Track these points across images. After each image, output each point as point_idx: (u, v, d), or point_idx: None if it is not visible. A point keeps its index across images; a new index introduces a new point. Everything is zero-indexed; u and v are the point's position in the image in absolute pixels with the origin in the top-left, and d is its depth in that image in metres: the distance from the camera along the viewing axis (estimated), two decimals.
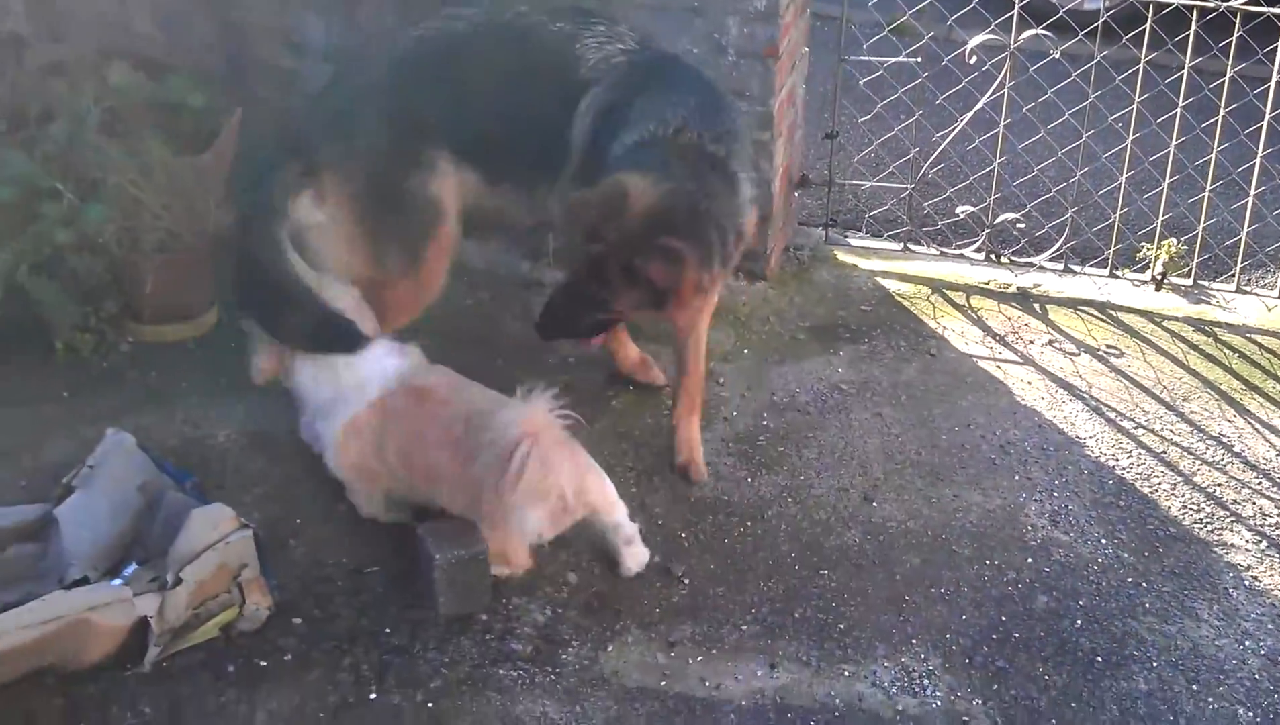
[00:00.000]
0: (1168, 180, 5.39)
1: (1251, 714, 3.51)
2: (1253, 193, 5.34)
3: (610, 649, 3.63)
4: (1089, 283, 5.48)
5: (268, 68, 5.35)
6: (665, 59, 4.20)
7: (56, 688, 3.36)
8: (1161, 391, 4.81)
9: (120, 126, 4.72)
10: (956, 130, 5.65)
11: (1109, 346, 5.08)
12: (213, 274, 4.77)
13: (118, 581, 3.48)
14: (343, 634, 3.61)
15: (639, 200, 3.66)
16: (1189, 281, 5.45)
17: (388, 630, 3.62)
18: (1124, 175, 5.41)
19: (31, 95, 4.74)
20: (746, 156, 4.07)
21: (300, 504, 4.04)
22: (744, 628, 3.72)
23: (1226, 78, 5.20)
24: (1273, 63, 5.14)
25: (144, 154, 4.60)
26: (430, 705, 3.41)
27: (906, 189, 5.68)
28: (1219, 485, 4.34)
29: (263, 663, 3.50)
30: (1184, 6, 5.25)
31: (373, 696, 3.43)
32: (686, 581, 3.86)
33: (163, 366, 4.60)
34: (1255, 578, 3.96)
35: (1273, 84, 5.16)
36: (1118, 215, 5.46)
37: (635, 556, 3.86)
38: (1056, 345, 5.07)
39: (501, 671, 3.53)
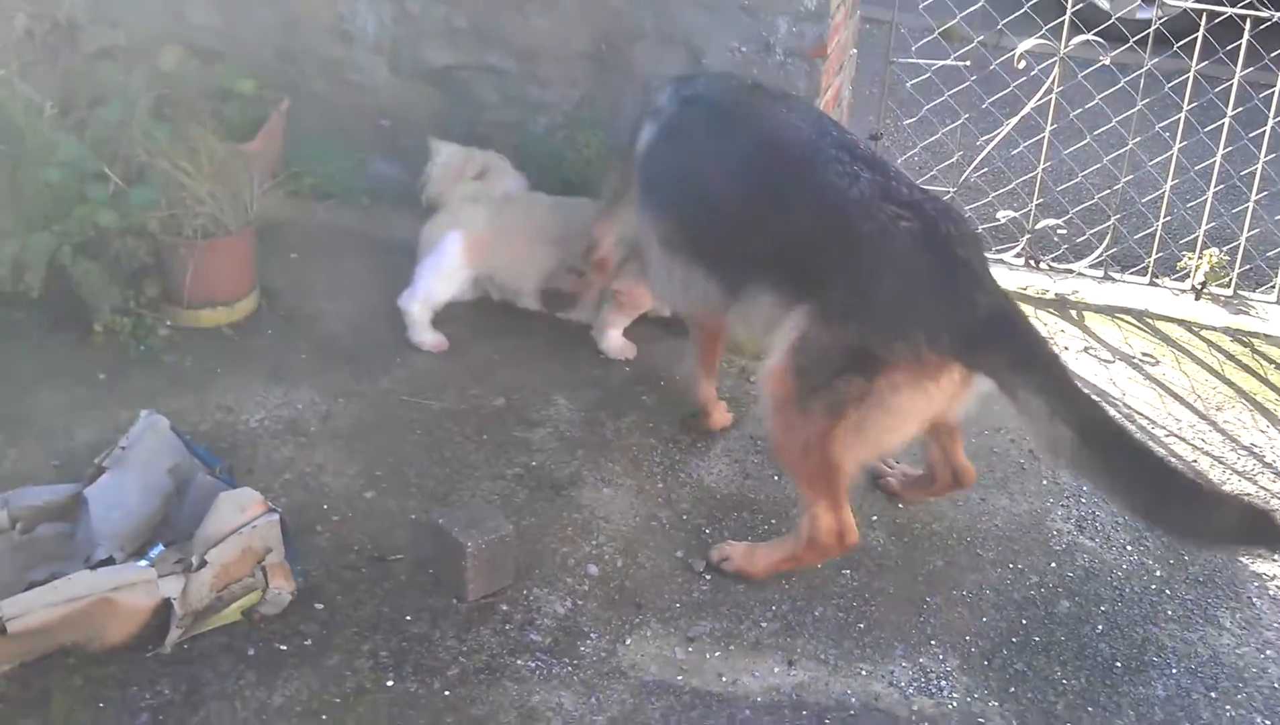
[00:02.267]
0: (1212, 189, 5.35)
1: (1269, 722, 3.48)
2: None
3: (629, 642, 3.64)
4: (1128, 290, 5.44)
5: (317, 57, 5.41)
6: None
7: (76, 667, 3.38)
8: (1195, 400, 4.78)
9: (170, 112, 4.79)
10: (1002, 135, 5.63)
11: (1145, 354, 5.05)
12: (253, 261, 4.84)
13: (144, 562, 3.51)
14: (364, 620, 3.64)
15: None
16: (1229, 291, 5.41)
17: (408, 618, 3.65)
18: (1168, 183, 5.37)
19: (84, 79, 4.82)
20: None
21: (327, 492, 4.08)
22: (763, 624, 3.73)
23: (1277, 89, 5.15)
24: None
25: (191, 139, 4.66)
26: (446, 694, 3.44)
27: (949, 192, 5.65)
28: (1248, 494, 4.31)
29: (283, 647, 3.53)
30: (1238, 16, 5.20)
31: (390, 684, 3.45)
32: (708, 577, 3.86)
33: (199, 351, 4.65)
34: (1279, 587, 3.94)
35: None
36: (1160, 223, 5.42)
37: None
38: (1092, 352, 5.04)
39: (520, 662, 3.55)
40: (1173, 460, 3.78)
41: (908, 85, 5.92)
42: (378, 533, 3.94)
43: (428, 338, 4.68)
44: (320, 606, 3.67)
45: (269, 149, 5.05)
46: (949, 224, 3.62)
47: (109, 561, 3.51)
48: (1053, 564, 3.98)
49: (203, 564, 3.47)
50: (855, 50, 5.54)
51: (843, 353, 3.57)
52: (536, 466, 4.24)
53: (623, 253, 4.39)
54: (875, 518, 4.12)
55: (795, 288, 3.66)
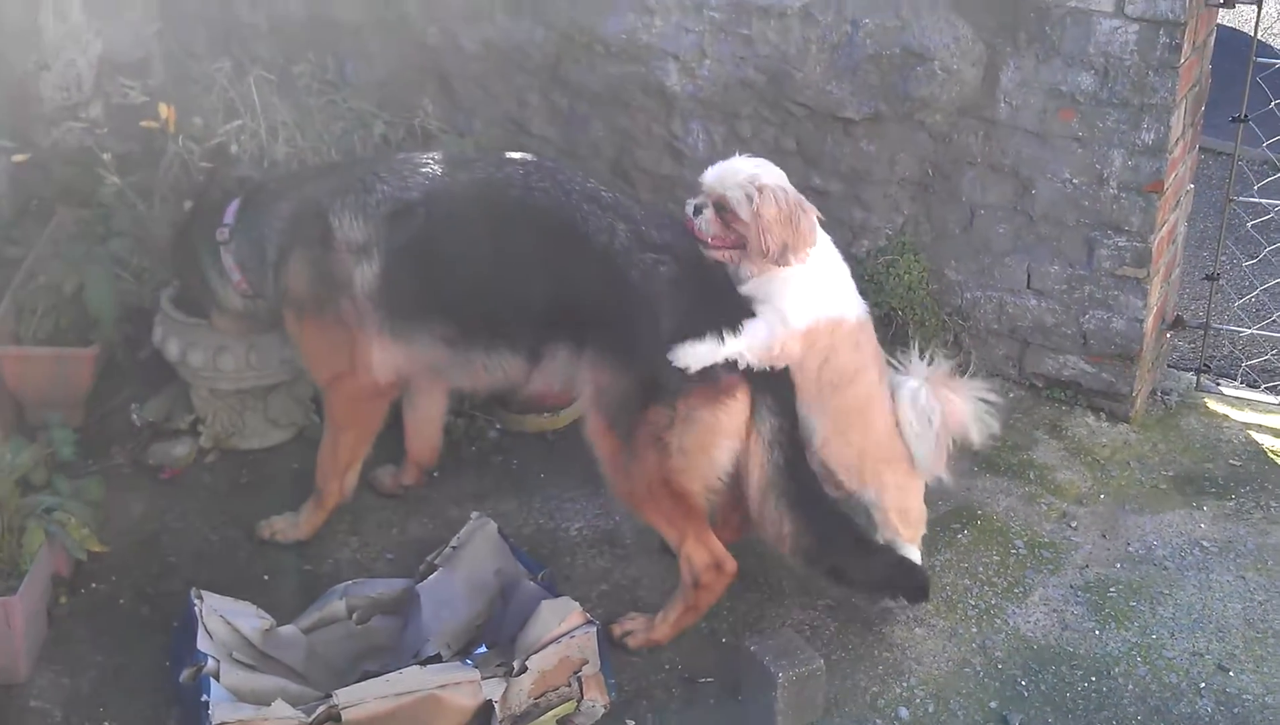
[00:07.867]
0: None
1: None
2: None
3: None
4: None
5: (649, 172, 5.55)
6: None
7: None
8: None
9: None
10: None
11: None
12: None
13: (468, 662, 3.62)
14: None
15: None
16: None
17: None
18: None
19: None
20: None
21: (640, 606, 4.11)
22: None
23: None
24: None
25: None
26: None
27: None
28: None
29: None
30: None
31: None
32: None
33: (525, 455, 4.79)
34: None
35: None
36: None
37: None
38: None
39: None
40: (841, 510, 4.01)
41: (1248, 225, 5.71)
42: (688, 652, 3.96)
43: None
44: (631, 723, 3.70)
45: None
46: (701, 260, 3.94)
47: (436, 658, 3.63)
48: None
49: (523, 669, 3.55)
50: (1192, 185, 5.39)
51: (640, 390, 3.85)
52: (847, 599, 4.20)
53: None
54: (1203, 685, 3.93)
55: (582, 341, 3.95)
